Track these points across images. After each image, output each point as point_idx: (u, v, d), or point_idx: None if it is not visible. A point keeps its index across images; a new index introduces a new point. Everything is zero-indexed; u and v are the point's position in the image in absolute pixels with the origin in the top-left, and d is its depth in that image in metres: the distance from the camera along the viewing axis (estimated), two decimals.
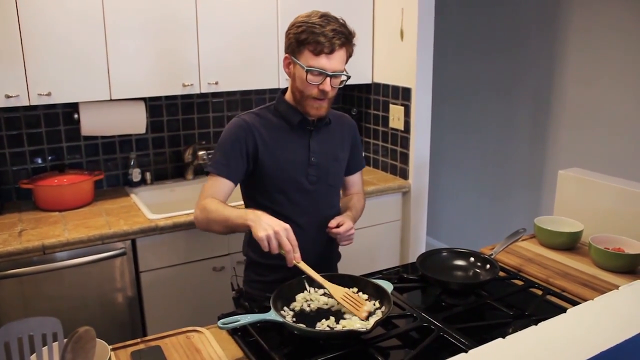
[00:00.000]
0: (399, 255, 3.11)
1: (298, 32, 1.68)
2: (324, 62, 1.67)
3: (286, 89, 1.87)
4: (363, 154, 2.16)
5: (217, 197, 1.76)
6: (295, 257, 1.50)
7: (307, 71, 1.68)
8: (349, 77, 1.76)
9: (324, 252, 1.92)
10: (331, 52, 1.66)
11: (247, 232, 1.84)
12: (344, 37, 1.68)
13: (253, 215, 1.56)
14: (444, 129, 4.21)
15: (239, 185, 1.88)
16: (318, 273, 1.54)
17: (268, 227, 1.50)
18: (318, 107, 1.76)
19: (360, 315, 1.44)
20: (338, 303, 1.49)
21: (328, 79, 1.69)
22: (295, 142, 1.83)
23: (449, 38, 4.02)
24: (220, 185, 1.78)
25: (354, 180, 2.09)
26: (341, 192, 2.05)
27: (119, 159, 2.87)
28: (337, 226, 1.80)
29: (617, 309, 1.13)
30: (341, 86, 1.77)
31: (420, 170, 3.00)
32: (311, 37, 1.65)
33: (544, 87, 3.47)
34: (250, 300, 1.83)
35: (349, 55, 1.75)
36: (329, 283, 1.53)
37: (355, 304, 1.48)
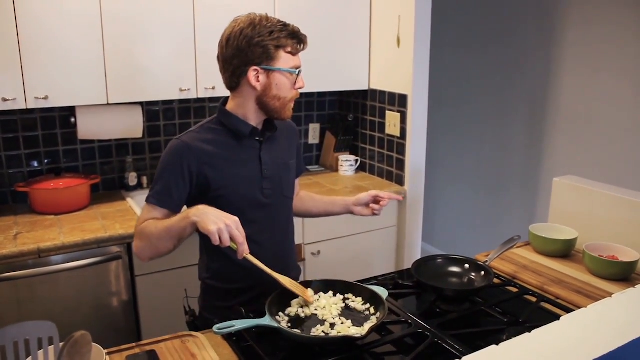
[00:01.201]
0: (394, 262, 3.12)
1: (274, 37, 1.60)
2: (297, 59, 1.67)
3: (225, 100, 1.74)
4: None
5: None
6: (244, 250, 1.43)
7: (298, 73, 1.67)
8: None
9: (283, 267, 1.71)
10: (303, 48, 1.68)
11: (203, 254, 1.81)
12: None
13: (196, 210, 1.46)
14: (439, 135, 4.22)
15: None
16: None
17: (218, 220, 1.41)
18: (290, 110, 1.73)
19: (310, 300, 1.51)
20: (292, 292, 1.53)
21: (301, 75, 1.69)
22: (246, 156, 1.71)
23: (445, 45, 4.03)
24: (157, 215, 1.64)
25: (296, 182, 1.95)
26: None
27: (115, 162, 2.87)
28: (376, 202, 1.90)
29: (610, 317, 1.13)
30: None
31: (416, 176, 3.01)
32: (290, 38, 1.64)
33: (539, 94, 3.49)
34: (208, 326, 1.69)
35: None
36: (276, 274, 1.51)
37: (301, 290, 1.53)
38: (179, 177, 1.63)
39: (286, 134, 1.85)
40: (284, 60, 1.63)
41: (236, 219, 1.44)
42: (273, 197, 1.75)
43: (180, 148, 1.64)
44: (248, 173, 1.70)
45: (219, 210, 1.46)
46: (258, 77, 1.63)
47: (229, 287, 1.76)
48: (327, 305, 1.52)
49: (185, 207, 1.63)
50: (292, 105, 1.72)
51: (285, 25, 1.64)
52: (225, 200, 1.66)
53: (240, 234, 1.42)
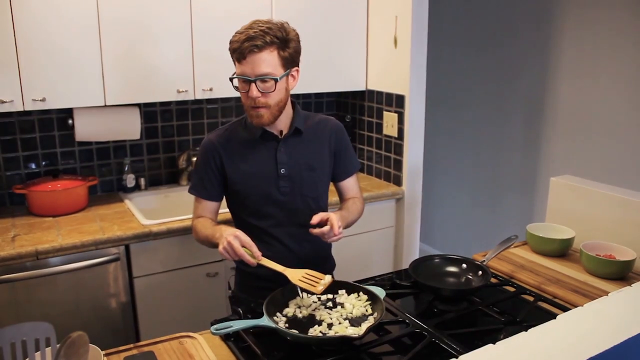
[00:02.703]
0: (392, 262, 3.12)
1: (229, 45, 1.69)
2: (244, 67, 1.66)
3: None
4: (356, 156, 2.08)
5: (205, 216, 1.87)
6: (254, 258, 1.59)
7: (230, 79, 1.71)
8: (276, 81, 1.67)
9: (311, 261, 1.82)
10: (244, 57, 1.64)
11: None
12: (261, 40, 1.62)
13: (219, 233, 1.66)
14: (437, 135, 4.22)
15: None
16: (292, 284, 1.56)
17: (223, 239, 1.59)
18: (257, 116, 1.71)
19: (316, 290, 1.50)
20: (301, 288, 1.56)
21: (253, 85, 1.66)
22: (262, 154, 1.82)
23: (443, 45, 4.04)
24: (203, 206, 1.88)
25: (348, 185, 2.00)
26: (339, 199, 2.03)
27: (113, 164, 2.87)
28: (320, 224, 1.68)
29: (607, 315, 1.14)
30: (273, 91, 1.68)
31: (414, 176, 3.02)
32: (231, 47, 1.68)
33: (537, 94, 3.49)
34: (240, 302, 1.86)
35: (288, 55, 1.69)
36: (288, 269, 1.56)
37: (313, 281, 1.52)
38: (208, 170, 1.84)
39: (322, 135, 1.90)
40: (236, 67, 1.70)
41: (237, 232, 1.60)
42: (291, 195, 1.83)
43: (207, 145, 1.85)
44: (263, 170, 1.81)
45: (228, 228, 1.65)
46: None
47: (251, 271, 1.81)
48: (352, 304, 1.53)
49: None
50: (252, 112, 1.72)
51: (237, 33, 1.68)
52: (242, 194, 1.83)
53: (240, 247, 1.57)
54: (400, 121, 2.95)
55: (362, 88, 3.17)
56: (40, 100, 2.32)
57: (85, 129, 2.58)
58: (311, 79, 2.95)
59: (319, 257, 1.92)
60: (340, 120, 3.26)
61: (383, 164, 3.15)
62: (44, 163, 2.71)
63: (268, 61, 1.65)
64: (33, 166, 2.69)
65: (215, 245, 1.69)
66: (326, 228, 1.65)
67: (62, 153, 2.74)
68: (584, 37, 3.16)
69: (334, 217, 1.66)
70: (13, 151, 2.64)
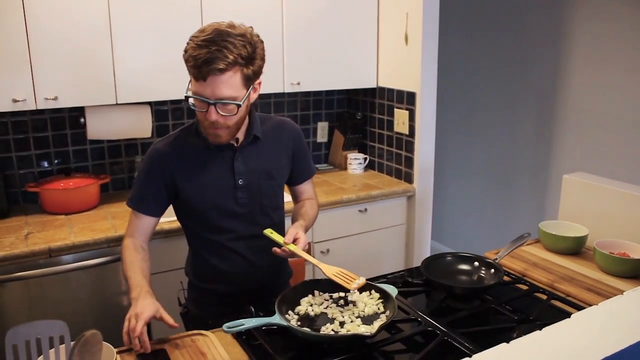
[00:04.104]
0: (403, 260, 3.11)
1: (184, 50, 1.51)
2: (202, 88, 1.47)
3: None
4: (312, 162, 1.92)
5: (139, 233, 1.69)
6: (135, 344, 1.38)
7: (185, 97, 1.54)
8: (239, 106, 1.51)
9: (270, 273, 1.80)
10: (204, 79, 1.45)
11: (189, 254, 1.84)
12: (223, 63, 1.43)
13: (136, 296, 1.49)
14: (448, 133, 4.21)
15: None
16: (268, 295, 1.59)
17: (131, 314, 1.43)
18: (215, 135, 1.57)
19: (349, 286, 1.48)
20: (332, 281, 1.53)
21: (212, 107, 1.49)
22: (217, 164, 1.66)
23: (453, 42, 4.02)
24: (140, 222, 1.69)
25: (304, 188, 1.88)
26: (292, 200, 1.92)
27: (124, 162, 2.88)
28: (294, 241, 1.58)
29: (622, 314, 1.13)
30: (235, 114, 1.53)
31: (425, 174, 3.01)
32: (189, 59, 1.48)
33: (548, 91, 3.47)
34: (195, 321, 1.79)
35: (251, 72, 1.51)
36: (322, 263, 1.55)
37: (347, 279, 1.51)
38: (152, 184, 1.66)
39: (280, 139, 1.76)
40: (192, 81, 1.52)
41: (138, 314, 1.41)
42: (249, 206, 1.70)
43: (153, 155, 1.66)
44: (219, 182, 1.66)
45: (140, 303, 1.45)
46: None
47: (207, 287, 1.79)
48: (364, 302, 1.53)
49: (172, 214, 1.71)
50: (209, 131, 1.57)
51: (195, 46, 1.47)
52: (196, 208, 1.68)
53: (136, 330, 1.37)
54: (412, 118, 2.94)
55: (373, 85, 3.16)
56: (53, 99, 2.33)
57: (97, 128, 2.59)
58: (322, 76, 2.95)
59: (277, 265, 1.83)
60: (351, 118, 3.30)
61: (394, 161, 3.14)
62: (56, 161, 2.73)
63: (230, 83, 1.47)
64: (45, 164, 2.71)
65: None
66: (301, 245, 1.56)
67: (74, 151, 2.76)
68: (597, 32, 3.13)
69: (304, 239, 1.58)
70: (26, 150, 2.65)
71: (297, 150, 1.80)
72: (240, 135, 1.67)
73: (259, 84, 1.60)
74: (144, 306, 1.43)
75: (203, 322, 1.66)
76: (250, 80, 1.52)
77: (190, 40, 1.50)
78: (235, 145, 1.67)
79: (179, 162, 1.65)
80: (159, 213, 1.71)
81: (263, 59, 1.57)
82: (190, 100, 1.54)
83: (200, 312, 1.81)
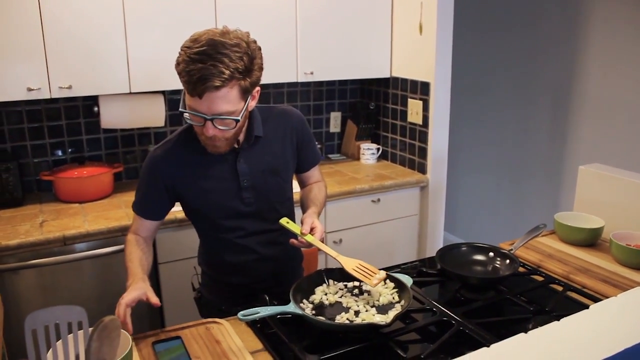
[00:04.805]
0: (416, 250, 3.11)
1: (176, 61, 1.43)
2: (198, 104, 1.41)
3: None
4: (317, 146, 1.88)
5: (142, 232, 1.68)
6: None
7: (180, 112, 1.47)
8: (237, 121, 1.46)
9: (282, 263, 1.79)
10: (199, 96, 1.39)
11: (200, 246, 1.84)
12: (219, 80, 1.37)
13: (127, 285, 1.46)
14: (462, 123, 4.18)
15: None
16: (281, 283, 1.58)
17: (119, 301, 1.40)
18: (213, 146, 1.53)
19: (370, 282, 1.47)
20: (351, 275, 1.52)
21: (209, 123, 1.43)
22: (220, 167, 1.62)
23: (467, 31, 3.98)
24: (144, 223, 1.68)
25: (311, 174, 1.85)
26: (298, 185, 1.89)
27: (137, 151, 2.89)
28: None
29: None
30: (234, 127, 1.48)
31: (439, 164, 2.99)
32: (182, 73, 1.40)
33: (564, 80, 3.43)
34: (209, 306, 1.81)
35: (246, 87, 1.44)
36: (342, 256, 1.55)
37: (367, 273, 1.49)
38: (153, 190, 1.65)
39: (283, 131, 1.71)
40: (185, 94, 1.46)
41: (122, 301, 1.37)
42: (257, 204, 1.67)
43: (153, 163, 1.63)
44: (223, 186, 1.63)
45: (131, 289, 1.42)
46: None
47: (219, 279, 1.80)
48: (379, 291, 1.52)
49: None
50: (207, 142, 1.52)
51: (188, 59, 1.39)
52: (202, 212, 1.67)
53: (120, 316, 1.33)
54: (425, 108, 2.92)
55: (387, 75, 3.14)
56: (67, 88, 2.34)
57: (111, 116, 2.59)
58: (335, 65, 2.94)
59: (289, 253, 1.81)
60: (364, 108, 3.28)
61: (407, 151, 3.12)
62: (70, 150, 2.74)
63: (227, 99, 1.41)
64: (59, 153, 2.72)
65: None
66: (317, 235, 1.55)
67: (87, 140, 2.77)
68: (613, 20, 3.09)
69: (320, 228, 1.57)
70: (40, 138, 2.67)
71: (302, 139, 1.75)
72: (241, 136, 1.62)
73: (258, 91, 1.53)
74: (130, 291, 1.41)
75: (216, 308, 1.67)
76: (247, 92, 1.46)
77: (182, 50, 1.42)
78: (237, 146, 1.62)
79: (178, 168, 1.62)
80: (161, 216, 1.70)
81: (261, 68, 1.50)
82: (186, 114, 1.47)
83: (214, 299, 1.82)
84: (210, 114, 1.42)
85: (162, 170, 1.62)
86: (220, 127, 1.46)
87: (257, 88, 1.52)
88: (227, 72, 1.37)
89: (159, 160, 1.63)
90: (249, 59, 1.42)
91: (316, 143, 1.88)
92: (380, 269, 1.62)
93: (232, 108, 1.43)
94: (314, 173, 1.87)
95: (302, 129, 1.75)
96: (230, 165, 1.62)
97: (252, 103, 1.54)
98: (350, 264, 1.53)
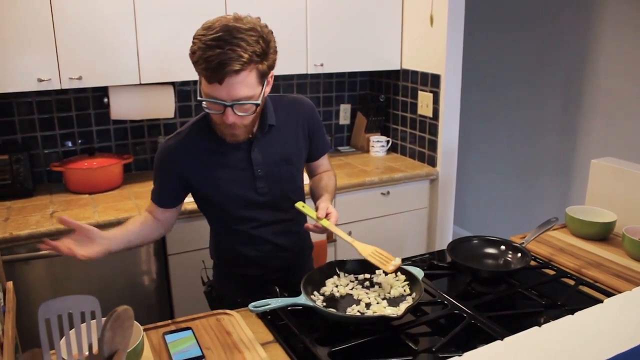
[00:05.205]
0: (425, 243, 3.10)
1: (191, 50, 1.43)
2: (216, 92, 1.42)
3: None
4: (326, 135, 1.87)
5: (155, 215, 1.71)
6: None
7: (198, 101, 1.47)
8: (257, 105, 1.48)
9: (296, 253, 1.79)
10: (220, 81, 1.39)
11: (212, 238, 1.85)
12: (238, 63, 1.37)
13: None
14: (472, 116, 4.16)
15: None
16: (293, 274, 1.57)
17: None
18: (232, 135, 1.55)
19: (386, 268, 1.46)
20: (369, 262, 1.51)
21: (229, 109, 1.44)
22: (234, 157, 1.62)
23: (479, 24, 3.95)
24: (158, 210, 1.70)
25: (320, 162, 1.85)
26: (307, 175, 1.88)
27: (147, 143, 2.89)
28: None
29: None
30: (253, 112, 1.50)
31: (449, 157, 2.98)
32: (199, 61, 1.40)
33: (575, 74, 3.40)
34: (221, 299, 1.80)
35: (263, 70, 1.45)
36: (357, 242, 1.54)
37: (384, 259, 1.48)
38: (166, 179, 1.66)
39: (295, 120, 1.71)
40: (202, 83, 1.46)
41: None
42: (270, 194, 1.67)
43: (166, 153, 1.65)
44: (237, 175, 1.63)
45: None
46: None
47: (233, 272, 1.80)
48: (390, 284, 1.52)
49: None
50: (225, 130, 1.54)
51: (204, 47, 1.39)
52: (215, 202, 1.67)
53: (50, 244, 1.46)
54: (436, 101, 2.91)
55: (397, 67, 3.12)
56: (77, 79, 2.34)
57: (120, 108, 2.59)
58: (345, 58, 2.92)
59: (302, 243, 1.83)
60: (374, 100, 3.27)
61: (417, 144, 3.11)
62: (80, 141, 2.75)
63: (246, 83, 1.42)
64: (69, 144, 2.73)
65: None
66: (333, 219, 1.56)
67: (97, 131, 2.77)
68: (626, 15, 3.06)
69: (335, 213, 1.57)
70: (50, 129, 2.67)
71: (313, 128, 1.75)
72: (256, 126, 1.62)
73: (272, 76, 1.53)
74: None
75: (228, 301, 1.66)
76: (265, 75, 1.47)
77: (196, 39, 1.42)
78: (251, 136, 1.62)
79: (191, 159, 1.62)
80: (174, 205, 1.72)
81: (276, 52, 1.50)
82: (204, 104, 1.47)
83: (226, 291, 1.82)
84: (230, 100, 1.42)
85: (174, 161, 1.63)
86: (239, 114, 1.46)
87: (272, 73, 1.52)
88: (246, 55, 1.38)
89: (171, 151, 1.63)
90: (264, 42, 1.43)
91: (325, 132, 1.87)
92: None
93: (251, 92, 1.44)
94: (324, 162, 1.87)
95: (313, 117, 1.75)
96: (244, 155, 1.62)
97: (268, 89, 1.53)
98: (366, 250, 1.52)
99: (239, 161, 1.62)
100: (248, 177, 1.63)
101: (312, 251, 1.93)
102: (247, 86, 1.42)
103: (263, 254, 1.71)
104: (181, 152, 1.62)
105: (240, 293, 1.69)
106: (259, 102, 1.47)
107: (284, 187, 1.69)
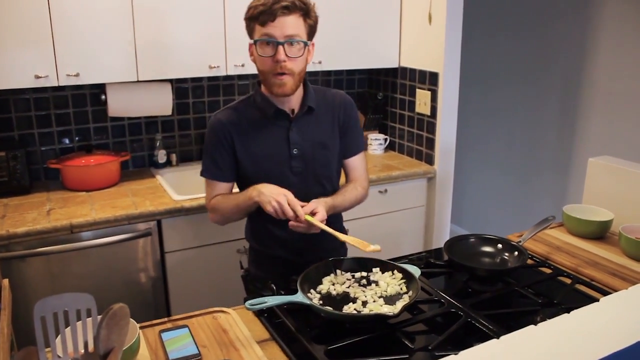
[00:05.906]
0: (422, 241, 3.10)
1: (247, 13, 1.65)
2: (271, 29, 1.60)
3: None
4: (363, 138, 1.96)
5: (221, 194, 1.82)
6: (297, 221, 1.58)
7: (255, 42, 1.64)
8: (306, 44, 1.65)
9: (325, 238, 1.72)
10: (274, 18, 1.58)
11: (247, 220, 1.91)
12: (290, 1, 1.59)
13: (256, 192, 1.64)
14: (470, 114, 4.16)
15: None
16: (326, 260, 1.58)
17: (271, 199, 1.58)
18: (280, 84, 1.65)
19: (365, 248, 1.49)
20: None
21: (281, 47, 1.60)
22: (273, 134, 1.75)
23: (477, 22, 3.95)
24: (217, 188, 1.82)
25: (353, 164, 1.91)
26: (346, 179, 1.95)
27: (144, 140, 2.89)
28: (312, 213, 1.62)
29: None
30: (301, 55, 1.65)
31: (446, 156, 2.98)
32: (256, 11, 1.61)
33: (574, 73, 3.41)
34: (255, 280, 1.88)
35: (310, 24, 1.66)
36: (338, 232, 1.58)
37: (362, 243, 1.51)
38: (220, 150, 1.77)
39: (333, 110, 1.82)
40: (256, 32, 1.65)
41: (286, 192, 1.60)
42: (303, 175, 1.77)
43: (216, 125, 1.77)
44: (274, 151, 1.75)
45: (271, 186, 1.63)
46: (251, 51, 1.70)
47: (267, 252, 1.86)
48: (386, 282, 1.52)
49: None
50: (275, 80, 1.65)
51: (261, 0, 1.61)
52: (251, 177, 1.76)
53: (290, 209, 1.57)
54: (434, 99, 2.90)
55: (395, 65, 3.12)
56: (74, 76, 2.33)
57: (118, 105, 2.59)
58: (343, 55, 2.92)
59: (335, 229, 1.79)
60: (372, 98, 3.27)
61: (415, 142, 3.11)
62: (77, 138, 2.74)
63: (296, 24, 1.62)
64: (67, 141, 2.72)
65: (248, 209, 1.72)
66: (306, 224, 1.60)
67: (94, 128, 2.77)
68: (625, 13, 3.06)
69: (322, 213, 1.61)
70: (47, 126, 2.67)
71: (348, 121, 1.85)
72: (296, 106, 1.76)
73: (313, 45, 1.72)
74: (279, 190, 1.61)
75: (261, 283, 1.69)
76: (309, 31, 1.66)
77: (250, 5, 1.64)
78: (291, 115, 1.75)
79: (238, 131, 1.75)
80: (233, 178, 1.82)
81: (317, 22, 1.69)
82: (257, 51, 1.63)
83: (259, 274, 1.88)
84: (282, 37, 1.59)
85: (224, 131, 1.75)
86: (289, 55, 1.61)
87: (313, 42, 1.71)
88: (297, 1, 1.60)
89: (221, 123, 1.76)
90: (306, 4, 1.65)
91: (362, 135, 1.95)
92: (387, 260, 1.62)
93: (301, 33, 1.62)
94: (357, 165, 1.92)
95: (349, 111, 1.86)
96: (283, 132, 1.75)
97: (310, 55, 1.72)
98: (346, 238, 1.56)
99: (278, 139, 1.75)
100: (285, 155, 1.75)
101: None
102: (297, 26, 1.61)
103: (292, 237, 1.71)
104: (231, 122, 1.76)
105: (270, 276, 1.67)
106: (307, 41, 1.65)
107: (317, 170, 1.79)
